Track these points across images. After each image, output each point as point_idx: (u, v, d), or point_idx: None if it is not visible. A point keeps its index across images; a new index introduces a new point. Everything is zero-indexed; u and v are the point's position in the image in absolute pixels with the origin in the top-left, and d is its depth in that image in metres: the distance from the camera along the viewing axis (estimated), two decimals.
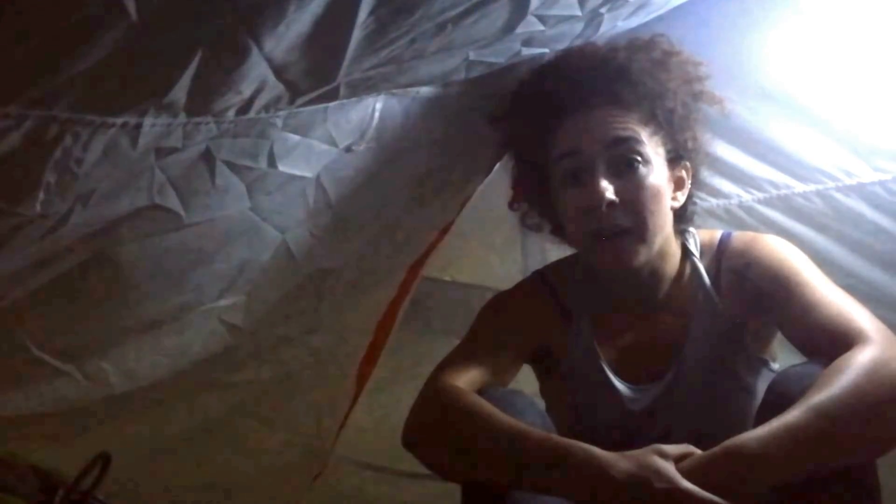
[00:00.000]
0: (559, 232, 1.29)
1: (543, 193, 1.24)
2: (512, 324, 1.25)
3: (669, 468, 0.92)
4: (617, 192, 1.12)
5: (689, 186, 1.23)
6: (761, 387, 1.18)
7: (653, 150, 1.16)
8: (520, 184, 1.30)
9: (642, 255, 1.14)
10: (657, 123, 1.17)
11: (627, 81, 1.16)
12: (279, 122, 1.06)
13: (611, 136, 1.14)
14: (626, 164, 1.14)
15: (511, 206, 1.33)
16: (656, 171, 1.16)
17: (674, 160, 1.20)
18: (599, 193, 1.11)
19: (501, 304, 1.29)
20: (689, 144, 1.22)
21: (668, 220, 1.18)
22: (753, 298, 1.18)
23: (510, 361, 1.22)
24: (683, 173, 1.23)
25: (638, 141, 1.14)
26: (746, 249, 1.20)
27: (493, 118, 1.27)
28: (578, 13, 1.08)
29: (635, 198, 1.13)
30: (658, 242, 1.16)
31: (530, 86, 1.22)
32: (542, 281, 1.31)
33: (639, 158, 1.14)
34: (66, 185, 0.95)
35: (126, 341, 1.27)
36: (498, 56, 1.12)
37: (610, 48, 1.19)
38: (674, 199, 1.20)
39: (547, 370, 1.30)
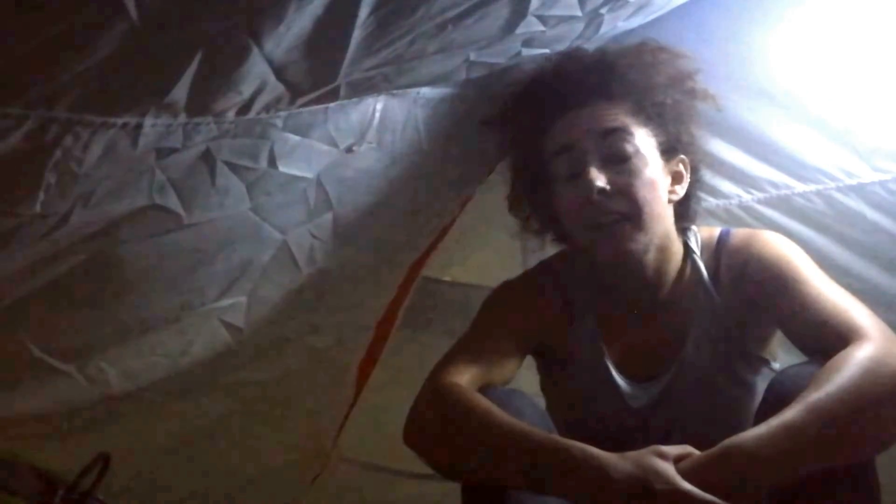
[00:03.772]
0: (562, 239, 1.29)
1: (542, 197, 1.24)
2: (515, 317, 1.25)
3: (669, 469, 0.92)
4: (610, 182, 1.13)
5: (688, 181, 1.24)
6: (761, 386, 1.18)
7: (644, 142, 1.18)
8: (518, 189, 1.30)
9: (640, 242, 1.15)
10: (647, 115, 1.19)
11: (615, 76, 1.18)
12: (279, 123, 1.06)
13: (601, 129, 1.16)
14: (617, 155, 1.16)
15: (510, 210, 1.33)
16: (649, 162, 1.17)
17: (668, 152, 1.21)
18: (590, 182, 1.13)
19: (504, 297, 1.29)
20: (684, 138, 1.23)
21: (665, 210, 1.19)
22: (752, 295, 1.18)
23: (512, 356, 1.22)
24: (681, 167, 1.23)
25: (628, 132, 1.16)
26: (745, 246, 1.20)
27: (485, 122, 1.28)
28: (579, 14, 1.08)
29: (628, 186, 1.14)
30: (656, 232, 1.17)
31: (522, 91, 1.24)
32: (546, 273, 1.31)
33: (630, 149, 1.16)
34: (66, 185, 0.95)
35: (126, 341, 1.27)
36: (498, 56, 1.13)
37: (599, 50, 1.22)
38: (672, 192, 1.21)
39: (549, 365, 1.30)
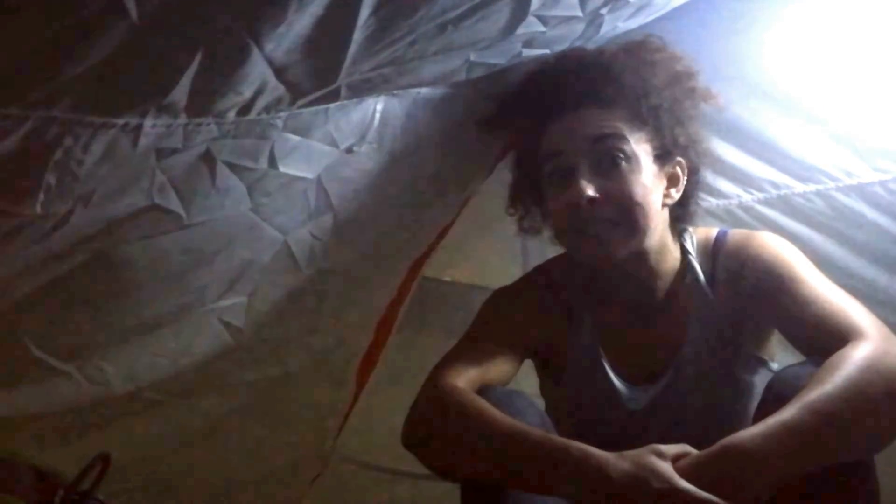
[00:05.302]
0: (556, 239, 1.29)
1: (537, 198, 1.24)
2: (513, 320, 1.25)
3: (667, 468, 0.92)
4: (601, 189, 1.13)
5: (685, 183, 1.23)
6: (760, 386, 1.17)
7: (638, 147, 1.16)
8: (516, 188, 1.30)
9: (628, 248, 1.14)
10: (642, 120, 1.17)
11: (609, 80, 1.17)
12: (280, 123, 1.06)
13: (592, 135, 1.15)
14: (609, 162, 1.15)
15: (507, 210, 1.33)
16: (642, 168, 1.16)
17: (663, 156, 1.20)
18: (580, 191, 1.12)
19: (503, 300, 1.29)
20: (681, 141, 1.21)
21: (657, 216, 1.18)
22: (750, 296, 1.18)
23: (510, 358, 1.22)
24: (677, 170, 1.22)
25: (620, 138, 1.15)
26: (741, 247, 1.20)
27: (484, 123, 1.28)
28: (579, 14, 1.08)
29: (619, 193, 1.13)
30: (647, 237, 1.16)
31: (519, 92, 1.24)
32: (544, 276, 1.31)
33: (621, 155, 1.15)
34: (66, 185, 0.95)
35: (126, 342, 1.27)
36: (499, 57, 1.13)
37: (596, 51, 1.21)
38: (667, 195, 1.20)
39: (547, 367, 1.30)
